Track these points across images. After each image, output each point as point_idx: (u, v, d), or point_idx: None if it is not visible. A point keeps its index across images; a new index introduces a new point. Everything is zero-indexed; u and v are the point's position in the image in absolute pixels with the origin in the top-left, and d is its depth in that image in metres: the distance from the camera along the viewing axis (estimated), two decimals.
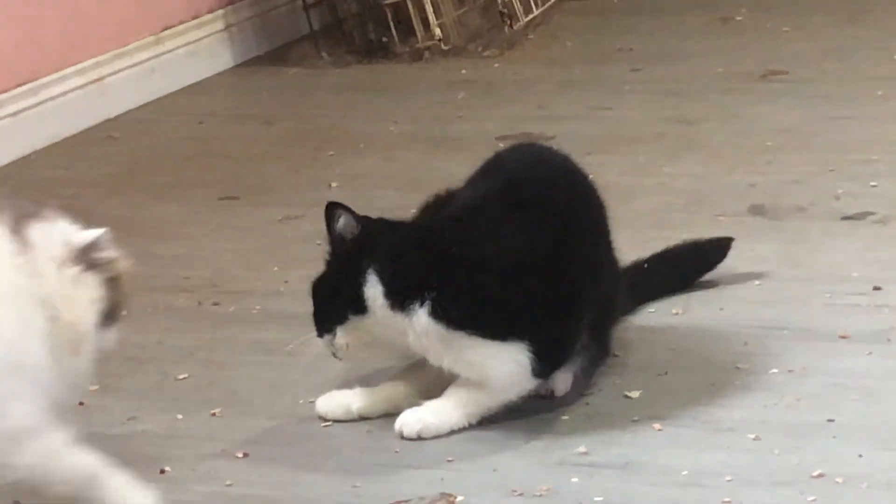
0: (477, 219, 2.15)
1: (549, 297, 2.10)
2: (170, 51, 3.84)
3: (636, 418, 2.04)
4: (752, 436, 1.94)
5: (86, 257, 1.81)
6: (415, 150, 2.95)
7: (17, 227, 1.77)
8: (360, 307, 2.05)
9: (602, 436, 2.03)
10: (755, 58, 3.68)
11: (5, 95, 3.40)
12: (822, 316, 2.33)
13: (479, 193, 2.21)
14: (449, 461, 1.97)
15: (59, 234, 1.81)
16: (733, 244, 2.51)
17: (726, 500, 1.78)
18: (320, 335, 2.10)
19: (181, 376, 2.29)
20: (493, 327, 2.07)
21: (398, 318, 2.04)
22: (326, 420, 2.08)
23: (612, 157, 3.05)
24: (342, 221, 2.10)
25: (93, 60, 3.69)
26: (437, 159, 2.79)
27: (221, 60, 3.99)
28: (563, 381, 2.13)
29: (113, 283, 1.84)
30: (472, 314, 2.06)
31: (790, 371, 2.12)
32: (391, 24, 3.83)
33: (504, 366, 2.07)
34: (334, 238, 2.10)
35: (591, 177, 2.24)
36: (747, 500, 1.80)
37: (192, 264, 2.68)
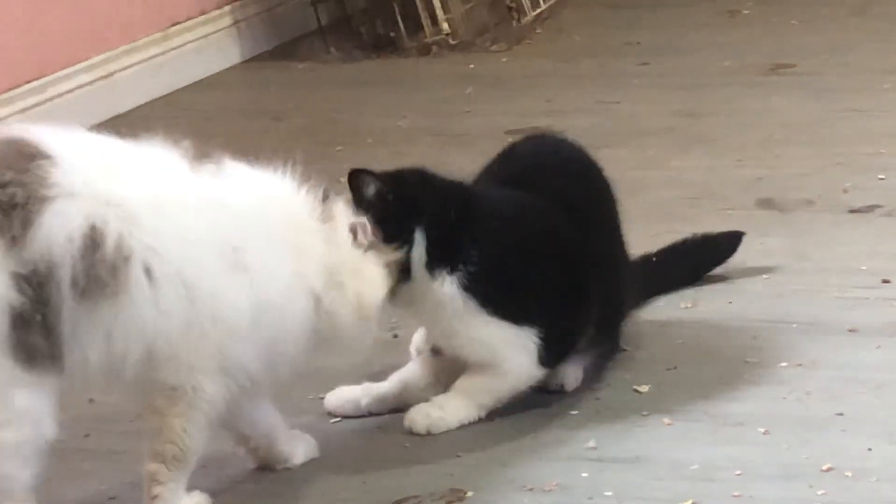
0: (507, 204, 2.15)
1: (562, 287, 2.11)
2: (178, 47, 3.85)
3: (645, 413, 2.05)
4: (762, 430, 1.94)
5: (364, 231, 1.96)
6: (424, 144, 2.96)
7: (325, 197, 1.88)
8: (405, 273, 2.04)
9: (612, 430, 2.03)
10: (763, 51, 3.69)
11: (14, 92, 3.41)
12: (830, 309, 2.34)
13: (503, 183, 2.23)
14: (458, 456, 1.97)
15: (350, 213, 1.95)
16: (743, 238, 2.53)
17: (736, 494, 1.79)
18: None
19: None
20: (511, 309, 2.06)
21: (426, 283, 2.04)
22: (335, 416, 2.10)
23: (621, 151, 3.04)
24: (372, 188, 2.09)
25: (101, 56, 3.71)
26: (446, 154, 2.80)
27: (229, 56, 4.00)
28: (573, 375, 2.14)
29: (388, 267, 1.98)
30: (496, 292, 2.06)
31: (799, 365, 2.13)
32: (399, 19, 3.83)
33: (513, 349, 2.08)
34: (366, 206, 2.07)
35: (599, 164, 2.27)
36: (757, 494, 1.80)
37: None
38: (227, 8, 4.02)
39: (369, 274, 1.96)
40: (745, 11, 4.05)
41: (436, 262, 2.04)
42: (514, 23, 3.93)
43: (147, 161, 1.88)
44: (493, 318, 2.07)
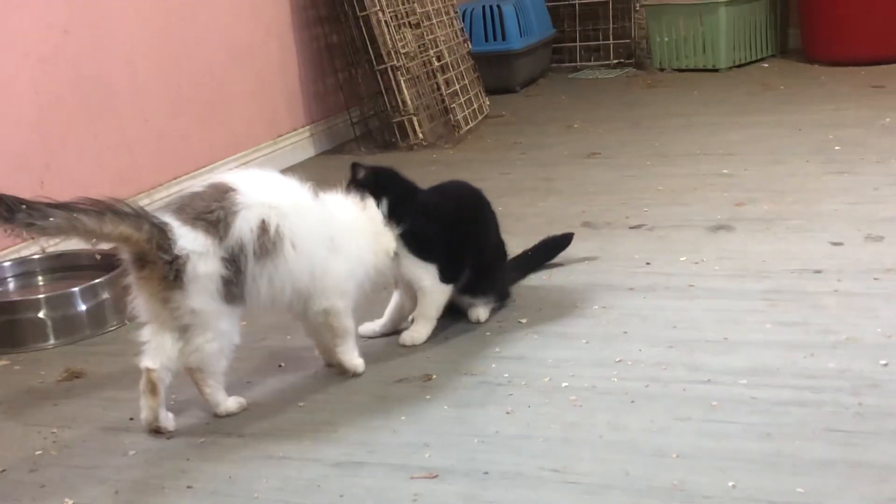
0: (433, 200, 2.44)
1: (450, 245, 2.40)
2: (282, 147, 4.29)
3: (525, 333, 2.39)
4: (584, 341, 2.31)
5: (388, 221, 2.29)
6: None
7: (362, 196, 2.26)
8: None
9: (508, 342, 2.36)
10: (584, 146, 4.08)
11: (158, 190, 3.59)
12: (619, 278, 2.67)
13: (435, 195, 2.49)
14: (428, 358, 2.32)
15: (378, 209, 2.28)
16: (574, 241, 2.83)
17: (571, 374, 2.14)
18: None
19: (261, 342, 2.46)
20: (423, 252, 2.36)
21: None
22: (364, 336, 2.40)
23: (512, 199, 3.39)
24: (361, 172, 2.34)
25: (242, 153, 4.09)
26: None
27: (308, 152, 4.47)
28: (484, 313, 2.50)
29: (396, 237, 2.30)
30: (416, 242, 2.35)
31: (604, 307, 2.49)
32: (396, 132, 4.32)
33: (424, 274, 2.37)
34: (356, 184, 2.32)
35: (487, 198, 2.54)
36: (581, 374, 2.14)
37: None
38: (307, 126, 4.49)
39: (387, 237, 2.27)
40: (576, 125, 4.45)
41: (390, 222, 2.31)
42: (456, 133, 4.48)
43: (287, 185, 2.14)
44: (414, 256, 2.35)
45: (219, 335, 2.04)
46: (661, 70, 5.52)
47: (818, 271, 2.59)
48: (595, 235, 3.05)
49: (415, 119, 4.31)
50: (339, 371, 2.27)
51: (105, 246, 2.06)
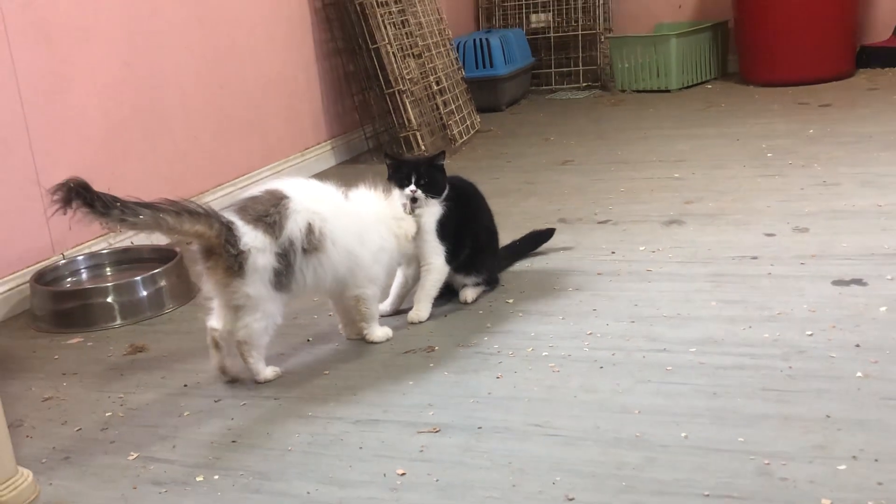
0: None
1: (455, 232, 2.37)
2: (308, 158, 4.29)
3: (511, 311, 2.38)
4: (561, 317, 2.30)
5: (410, 208, 2.27)
6: None
7: (386, 189, 2.26)
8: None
9: (497, 319, 2.35)
10: (559, 155, 4.07)
11: (205, 194, 3.58)
12: (590, 264, 2.66)
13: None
14: (431, 332, 2.31)
15: (398, 194, 2.27)
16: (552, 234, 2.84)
17: (551, 345, 2.14)
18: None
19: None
20: (443, 235, 2.35)
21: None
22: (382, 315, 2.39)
23: (500, 200, 3.26)
24: (387, 160, 2.36)
25: (268, 166, 4.03)
26: None
27: (329, 162, 4.46)
28: (473, 295, 2.47)
29: (419, 218, 2.29)
30: (442, 226, 2.34)
31: (577, 289, 2.47)
32: (403, 145, 4.28)
33: (438, 254, 2.35)
34: (390, 178, 2.33)
35: (482, 191, 2.52)
36: (558, 345, 2.14)
37: None
38: (328, 140, 4.48)
39: (408, 221, 2.26)
40: (552, 138, 4.42)
41: (427, 203, 2.31)
42: (453, 145, 4.44)
43: (327, 192, 2.15)
44: (436, 237, 2.33)
45: (265, 316, 2.05)
46: (623, 91, 5.52)
47: (755, 258, 2.59)
48: (569, 229, 3.03)
49: (418, 134, 4.29)
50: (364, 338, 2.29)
51: (177, 240, 2.11)
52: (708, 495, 1.52)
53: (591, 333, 2.20)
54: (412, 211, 2.27)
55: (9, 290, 2.84)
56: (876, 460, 1.57)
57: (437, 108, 4.54)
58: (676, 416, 1.78)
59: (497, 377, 2.03)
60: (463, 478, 1.65)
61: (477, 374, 2.05)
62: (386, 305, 2.44)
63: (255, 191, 2.09)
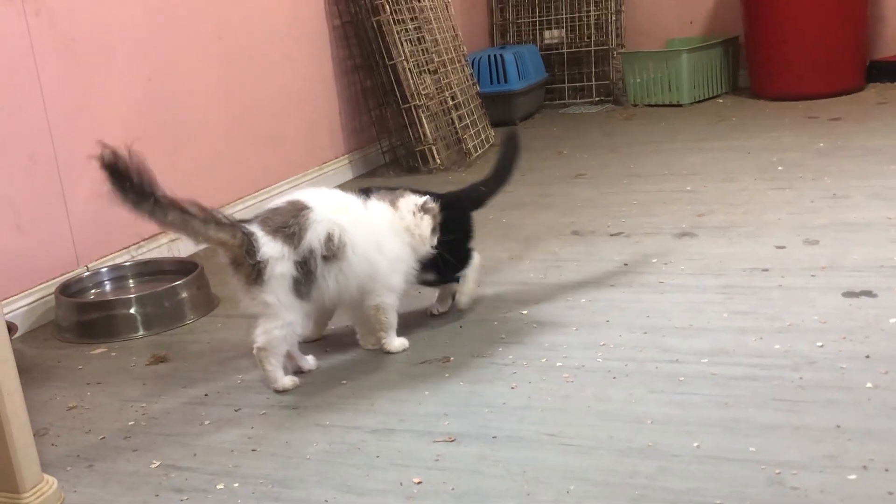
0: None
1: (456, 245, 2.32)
2: (326, 172, 4.28)
3: (526, 322, 2.37)
4: (574, 328, 2.29)
5: (423, 207, 2.21)
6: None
7: (393, 201, 2.21)
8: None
9: (511, 329, 2.34)
10: (572, 168, 4.08)
11: (226, 207, 3.57)
12: (603, 276, 2.64)
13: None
14: (446, 344, 2.29)
15: (411, 200, 2.21)
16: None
17: (563, 356, 2.13)
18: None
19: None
20: (455, 256, 2.32)
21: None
22: None
23: (514, 212, 3.41)
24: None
25: (287, 179, 4.03)
26: None
27: (347, 175, 4.45)
28: (442, 307, 2.45)
29: (434, 217, 2.22)
30: (449, 249, 2.28)
31: (590, 300, 2.46)
32: (419, 159, 4.32)
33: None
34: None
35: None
36: (572, 356, 2.12)
37: None
38: (346, 154, 4.48)
39: (423, 226, 2.21)
40: (565, 151, 4.42)
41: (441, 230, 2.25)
42: (468, 158, 4.44)
43: (348, 201, 2.16)
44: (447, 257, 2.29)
45: (285, 324, 2.06)
46: (635, 105, 5.52)
47: (765, 269, 2.58)
48: (582, 241, 3.03)
49: (434, 148, 4.31)
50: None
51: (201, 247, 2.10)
52: None
53: (604, 344, 2.18)
54: (416, 216, 2.23)
55: (34, 301, 2.86)
56: (886, 470, 1.56)
57: (453, 123, 4.55)
58: (688, 426, 1.77)
59: (512, 387, 2.02)
60: (478, 486, 1.65)
61: (492, 384, 2.05)
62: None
63: (279, 202, 2.11)
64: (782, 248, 2.75)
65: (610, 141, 4.59)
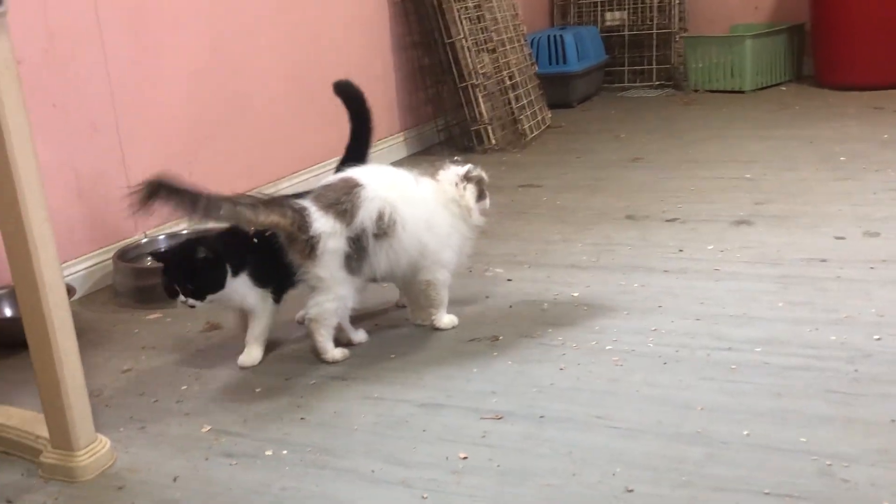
0: None
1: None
2: (382, 148, 4.26)
3: (576, 305, 2.36)
4: (626, 312, 2.29)
5: (466, 176, 2.21)
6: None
7: (435, 173, 2.23)
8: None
9: (562, 311, 2.33)
10: (629, 152, 4.08)
11: (281, 181, 3.62)
12: (656, 261, 2.66)
13: None
14: (496, 323, 2.30)
15: (453, 171, 2.22)
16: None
17: (614, 339, 2.13)
18: None
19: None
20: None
21: None
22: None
23: (568, 195, 3.45)
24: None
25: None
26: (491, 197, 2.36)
27: (402, 153, 4.46)
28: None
29: (479, 183, 2.23)
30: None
31: (642, 285, 2.47)
32: (473, 139, 4.32)
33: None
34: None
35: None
36: (622, 340, 2.13)
37: None
38: (402, 132, 4.49)
39: (467, 196, 2.20)
40: (623, 135, 4.41)
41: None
42: (523, 140, 4.44)
43: (400, 178, 2.16)
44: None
45: (337, 297, 2.09)
46: (696, 91, 5.48)
47: (823, 260, 2.57)
48: (636, 226, 3.03)
49: (489, 128, 4.31)
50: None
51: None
52: (768, 493, 1.51)
53: (655, 329, 2.18)
54: (459, 186, 2.20)
55: (93, 265, 2.91)
56: None
57: (509, 103, 4.55)
58: (739, 414, 1.76)
59: (560, 368, 2.02)
60: (523, 465, 1.65)
61: (540, 364, 2.05)
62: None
63: (332, 178, 2.13)
64: (842, 239, 2.73)
65: (669, 126, 4.57)
